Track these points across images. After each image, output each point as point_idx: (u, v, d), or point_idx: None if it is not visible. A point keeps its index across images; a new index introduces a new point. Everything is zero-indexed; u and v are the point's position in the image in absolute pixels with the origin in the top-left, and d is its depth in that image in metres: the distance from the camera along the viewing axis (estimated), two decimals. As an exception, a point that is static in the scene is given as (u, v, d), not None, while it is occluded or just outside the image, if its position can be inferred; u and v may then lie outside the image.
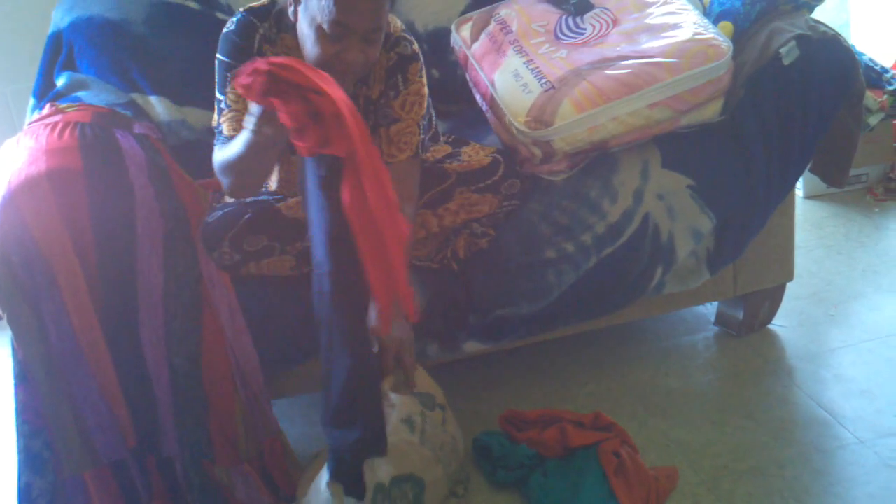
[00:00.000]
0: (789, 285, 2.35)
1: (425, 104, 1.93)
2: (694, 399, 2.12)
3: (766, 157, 2.07)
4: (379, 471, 1.69)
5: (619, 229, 2.02)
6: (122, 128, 1.90)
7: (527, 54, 2.14)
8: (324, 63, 1.70)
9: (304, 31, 1.72)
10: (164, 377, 1.82)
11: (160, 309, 1.79)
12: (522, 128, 1.97)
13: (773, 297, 2.34)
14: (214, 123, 1.88)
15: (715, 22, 2.13)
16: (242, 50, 1.82)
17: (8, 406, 1.82)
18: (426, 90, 1.93)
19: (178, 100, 2.29)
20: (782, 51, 2.04)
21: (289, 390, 2.04)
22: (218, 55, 1.85)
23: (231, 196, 1.93)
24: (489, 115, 2.15)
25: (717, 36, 2.02)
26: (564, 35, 2.17)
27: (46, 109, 1.98)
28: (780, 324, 2.38)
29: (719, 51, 1.99)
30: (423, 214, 1.93)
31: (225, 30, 1.85)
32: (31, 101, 2.24)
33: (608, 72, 1.99)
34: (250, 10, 1.85)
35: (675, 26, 2.06)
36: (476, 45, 2.26)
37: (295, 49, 1.80)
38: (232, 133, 1.81)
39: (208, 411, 1.84)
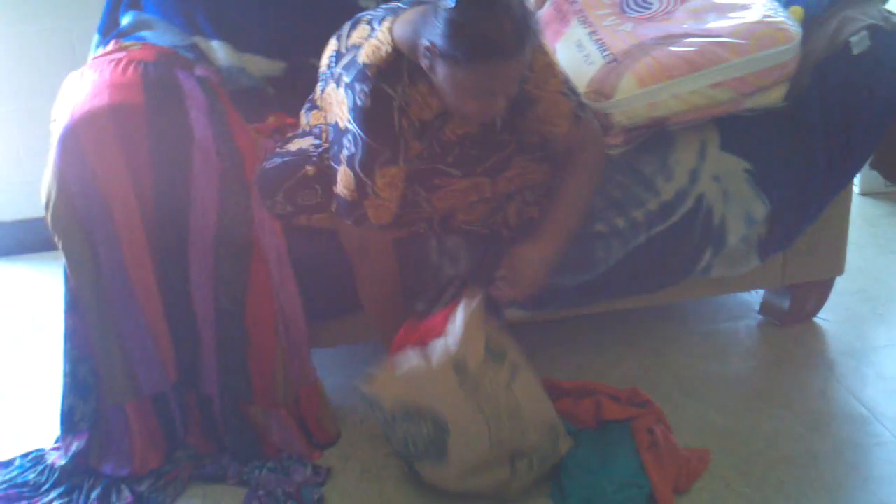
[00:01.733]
0: (838, 280, 2.32)
1: (559, 70, 1.86)
2: (731, 385, 2.11)
3: (826, 148, 2.04)
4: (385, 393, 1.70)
5: (671, 208, 2.00)
6: (184, 69, 1.92)
7: (591, 25, 2.12)
8: (467, 117, 1.75)
9: (446, 88, 1.67)
10: (209, 317, 1.85)
11: (210, 249, 1.82)
12: (582, 99, 1.95)
13: (820, 290, 2.31)
14: (347, 194, 1.77)
15: (786, 6, 2.10)
16: (384, 130, 1.72)
17: (58, 331, 1.86)
18: (552, 58, 1.86)
19: (240, 46, 2.30)
20: (853, 40, 2.00)
21: (330, 341, 2.06)
22: (356, 128, 1.72)
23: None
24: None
25: (787, 20, 1.99)
26: (630, 9, 2.15)
27: (111, 46, 2.01)
28: (826, 317, 2.35)
29: (787, 35, 1.96)
30: (479, 181, 1.93)
31: (360, 101, 1.70)
32: (96, 37, 2.27)
33: (672, 48, 1.97)
34: (380, 75, 1.70)
35: (743, 7, 2.04)
36: (540, 13, 2.25)
37: (429, 99, 1.75)
38: (382, 222, 1.79)
39: (249, 354, 1.87)
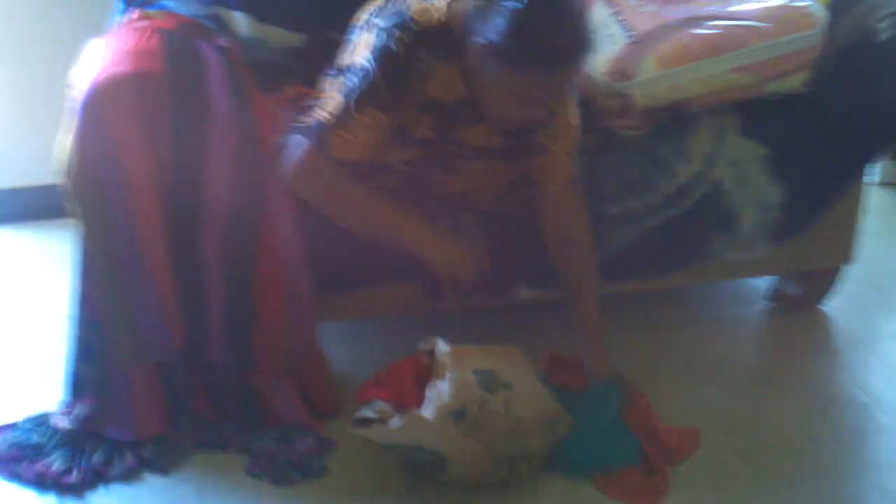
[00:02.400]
0: (849, 269, 2.31)
1: (576, 135, 1.86)
2: (736, 369, 2.11)
3: (846, 136, 2.02)
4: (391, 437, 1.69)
5: (686, 192, 1.99)
6: (206, 39, 1.91)
7: (615, 5, 2.09)
8: (502, 118, 1.74)
9: (492, 87, 1.66)
10: (218, 286, 1.85)
11: (223, 220, 1.81)
12: (604, 78, 1.94)
13: (829, 279, 2.31)
14: (323, 116, 1.73)
15: (812, -12, 2.08)
16: (399, 80, 1.69)
17: (65, 297, 1.87)
18: (577, 120, 1.86)
19: (261, 17, 2.28)
20: (880, 26, 1.98)
21: (336, 315, 2.06)
22: (372, 63, 1.69)
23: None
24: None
25: (812, 4, 1.97)
26: (655, -10, 2.14)
27: (133, 14, 2.00)
28: (834, 306, 2.34)
29: (812, 20, 1.95)
30: (495, 164, 1.91)
31: (393, 44, 1.67)
32: (119, 5, 2.26)
33: (696, 30, 1.96)
34: (424, 36, 1.67)
35: (769, -11, 2.02)
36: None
37: (453, 83, 1.72)
38: (338, 155, 1.72)
39: (256, 324, 1.87)
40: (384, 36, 1.68)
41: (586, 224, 1.91)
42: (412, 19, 1.68)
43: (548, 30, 1.54)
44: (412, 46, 1.67)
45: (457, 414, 1.64)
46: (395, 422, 1.64)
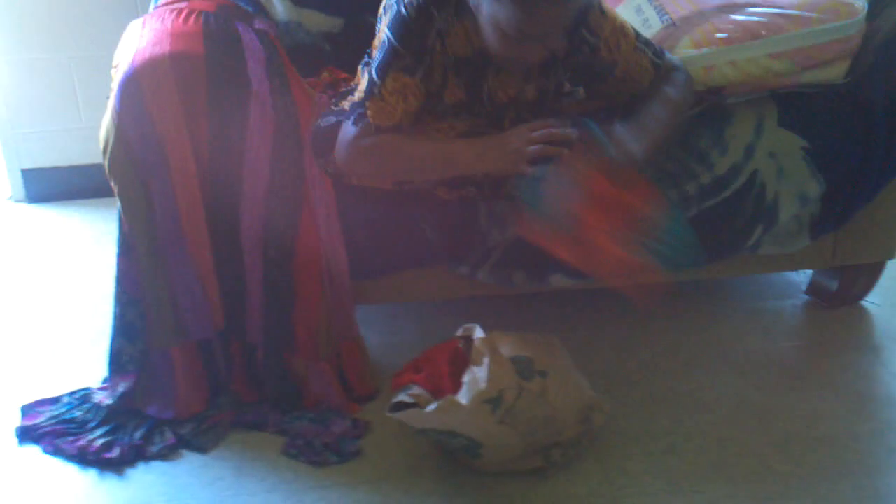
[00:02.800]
0: (889, 264, 2.28)
1: (628, 29, 1.87)
2: (774, 362, 2.09)
3: (887, 129, 1.99)
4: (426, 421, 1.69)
5: (724, 183, 1.98)
6: (244, 21, 1.93)
7: (651, -9, 2.10)
8: (505, 59, 1.73)
9: (485, 26, 1.68)
10: (257, 267, 1.87)
11: (262, 201, 1.84)
12: (656, 46, 1.93)
13: (870, 273, 2.28)
14: (357, 97, 1.81)
15: (855, -20, 2.05)
16: (415, 41, 1.74)
17: (110, 275, 1.90)
18: (620, 19, 1.86)
19: (299, 1, 2.31)
20: (923, 19, 1.96)
21: (373, 298, 2.08)
22: (388, 33, 1.75)
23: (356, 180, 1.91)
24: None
25: (854, -6, 1.95)
26: (693, -24, 2.12)
27: (172, -4, 2.02)
28: (874, 301, 2.32)
29: (852, 9, 1.92)
30: None
31: (403, 10, 1.73)
32: (158, -13, 2.29)
33: (733, 16, 1.95)
34: None
35: (809, -21, 2.00)
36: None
37: (472, 36, 1.76)
38: (380, 122, 1.77)
39: (295, 306, 1.89)
40: (396, 6, 1.75)
41: (682, 101, 1.90)
42: None
43: None
44: (421, 7, 1.72)
45: (493, 401, 1.65)
46: (431, 406, 1.65)
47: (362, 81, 1.81)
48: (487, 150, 1.79)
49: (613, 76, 1.87)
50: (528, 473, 1.75)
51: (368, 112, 1.77)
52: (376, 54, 1.79)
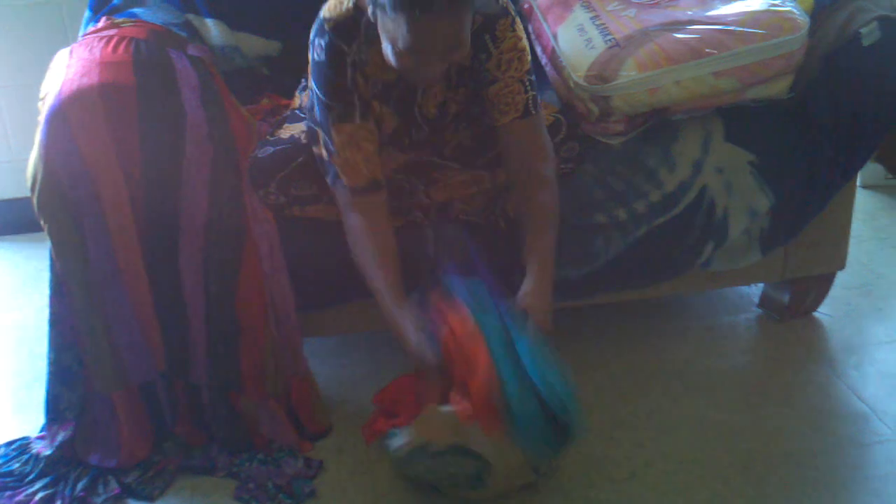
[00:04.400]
0: (838, 274, 2.29)
1: (526, 58, 1.80)
2: (731, 380, 2.08)
3: (833, 141, 2.00)
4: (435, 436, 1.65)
5: (673, 200, 1.97)
6: (177, 48, 1.87)
7: (594, 10, 2.08)
8: (409, 75, 1.68)
9: (383, 40, 1.63)
10: (199, 304, 1.81)
11: (201, 235, 1.77)
12: (581, 82, 1.91)
13: (821, 285, 2.28)
14: (320, 151, 1.78)
15: (795, -6, 2.06)
16: (336, 85, 1.72)
17: (42, 319, 1.81)
18: (524, 43, 1.80)
19: (234, 25, 2.25)
20: (863, 31, 1.97)
21: (321, 330, 2.03)
22: (314, 86, 1.74)
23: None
24: (548, 68, 2.10)
25: (794, 9, 1.96)
26: (636, -6, 2.11)
27: (102, 23, 1.95)
28: (826, 312, 2.32)
29: (795, 24, 1.92)
30: (478, 174, 1.90)
31: (315, 56, 1.72)
32: (87, 13, 2.22)
33: (676, 35, 1.94)
34: (336, 30, 1.71)
35: (751, -6, 2.00)
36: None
37: (382, 63, 1.70)
38: (353, 182, 1.73)
39: (239, 343, 1.83)
40: (311, 50, 1.74)
41: (548, 165, 1.83)
42: (324, 20, 1.72)
43: None
44: (331, 46, 1.70)
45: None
46: (447, 408, 1.62)
47: (316, 134, 1.77)
48: (405, 343, 1.70)
49: (487, 92, 1.81)
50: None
51: (339, 170, 1.74)
52: (314, 108, 1.76)
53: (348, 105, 1.72)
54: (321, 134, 1.75)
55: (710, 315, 2.35)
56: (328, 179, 1.78)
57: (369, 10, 1.62)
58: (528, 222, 1.80)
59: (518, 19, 1.80)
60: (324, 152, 1.77)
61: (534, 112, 1.81)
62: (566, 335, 2.22)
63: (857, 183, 2.93)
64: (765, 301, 2.35)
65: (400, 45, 1.57)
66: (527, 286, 1.73)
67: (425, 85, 1.79)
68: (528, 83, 1.80)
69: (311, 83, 1.75)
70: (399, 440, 1.66)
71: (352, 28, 1.70)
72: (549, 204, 1.81)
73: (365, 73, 1.74)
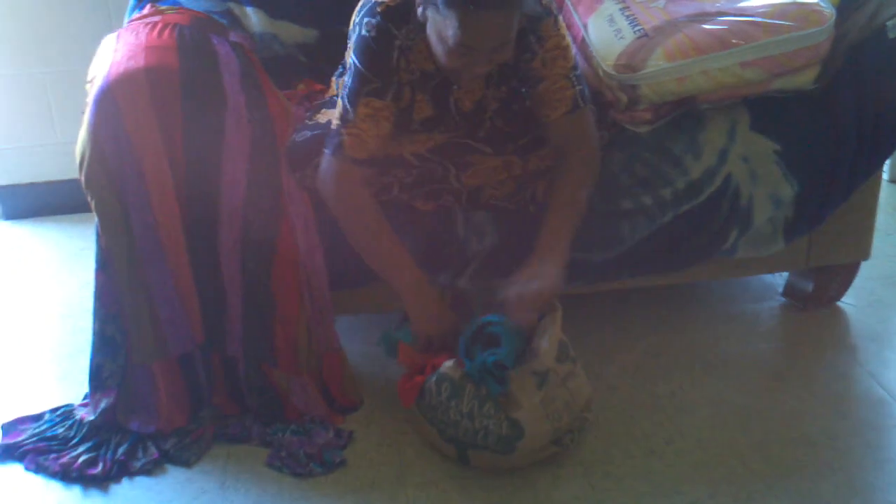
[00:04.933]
0: (863, 265, 2.31)
1: (570, 55, 1.86)
2: (752, 364, 2.11)
3: (858, 132, 2.02)
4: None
5: (699, 187, 2.00)
6: (219, 34, 1.93)
7: (624, 1, 2.11)
8: (452, 72, 1.74)
9: (433, 38, 1.70)
10: (236, 280, 1.87)
11: (240, 214, 1.84)
12: (610, 70, 1.95)
13: (845, 274, 2.30)
14: (334, 124, 1.83)
15: (823, -14, 2.08)
16: (380, 63, 1.78)
17: (89, 289, 1.89)
18: (568, 41, 1.86)
19: (274, 13, 2.31)
20: (889, 24, 1.99)
21: (353, 308, 2.08)
22: (353, 58, 1.79)
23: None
24: (578, 57, 2.13)
25: (821, 1, 1.97)
26: (665, -14, 2.14)
27: (146, 10, 2.02)
28: (850, 302, 2.34)
29: (821, 16, 1.94)
30: (510, 159, 1.94)
31: (364, 31, 1.77)
32: (132, 1, 2.29)
33: (705, 26, 1.96)
34: (388, 13, 1.76)
35: (779, -14, 2.02)
36: (573, -11, 2.24)
37: (427, 53, 1.79)
38: (355, 153, 1.79)
39: (274, 318, 1.89)
40: (358, 28, 1.78)
41: (598, 147, 1.90)
42: (377, 3, 1.76)
43: None
44: (381, 27, 1.75)
45: (537, 374, 1.72)
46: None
47: (338, 107, 1.83)
48: (417, 304, 1.86)
49: (535, 90, 1.87)
50: (513, 478, 1.77)
51: (345, 141, 1.79)
52: (346, 79, 1.81)
53: (386, 83, 1.78)
54: (344, 102, 1.80)
55: (733, 302, 2.38)
56: (327, 149, 1.82)
57: (419, 10, 1.68)
58: (556, 191, 1.87)
59: (561, 18, 1.85)
60: (336, 121, 1.82)
61: (582, 105, 1.87)
62: (591, 318, 2.28)
63: (885, 177, 2.96)
64: (789, 289, 2.37)
65: (451, 42, 1.63)
66: (538, 255, 1.82)
67: (468, 85, 1.84)
68: (574, 78, 1.86)
69: (352, 57, 1.79)
70: (450, 371, 1.75)
71: (403, 14, 1.76)
72: (582, 174, 1.88)
73: (408, 59, 1.80)
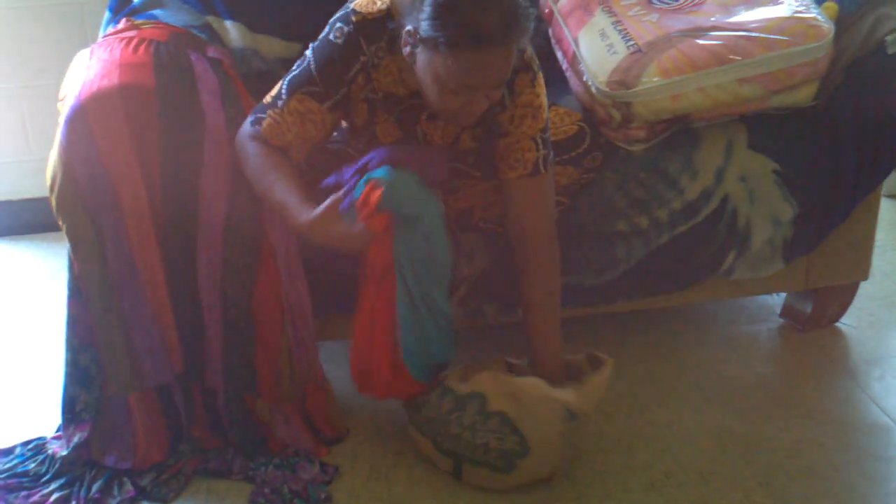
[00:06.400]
0: (862, 285, 2.27)
1: (542, 116, 1.74)
2: (752, 390, 2.06)
3: (857, 149, 1.98)
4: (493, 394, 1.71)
5: (695, 208, 1.95)
6: (197, 50, 1.87)
7: (616, 15, 2.06)
8: (445, 113, 1.65)
9: (426, 81, 1.59)
10: (216, 308, 1.80)
11: (220, 239, 1.77)
12: (603, 88, 1.90)
13: (844, 295, 2.26)
14: (266, 99, 1.75)
15: (819, 1, 2.03)
16: (334, 72, 1.69)
17: (61, 318, 1.81)
18: (542, 100, 1.74)
19: (254, 27, 2.24)
20: (888, 39, 1.96)
21: (339, 334, 2.01)
22: (310, 54, 1.71)
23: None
24: (569, 73, 2.08)
25: (819, 16, 1.93)
26: (658, -1, 2.09)
27: (122, 24, 1.96)
28: (849, 323, 2.30)
29: (819, 32, 1.90)
30: (498, 183, 1.87)
31: (332, 36, 1.69)
32: (107, 14, 2.22)
33: (699, 41, 1.92)
34: (362, 26, 1.67)
35: (774, 1, 1.98)
36: (563, 1, 2.18)
37: (396, 77, 1.70)
38: (270, 137, 1.70)
39: (256, 347, 1.82)
40: (329, 29, 1.70)
41: (549, 225, 1.78)
42: (353, 11, 1.68)
43: (471, 8, 1.49)
44: (351, 36, 1.67)
45: (570, 414, 1.69)
46: (513, 378, 1.71)
47: (276, 86, 1.75)
48: (290, 217, 1.65)
49: (497, 143, 1.76)
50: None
51: (265, 121, 1.71)
52: (294, 66, 1.74)
53: (330, 91, 1.70)
54: (281, 87, 1.73)
55: (731, 324, 2.32)
56: (250, 117, 1.73)
57: (405, 49, 1.59)
58: (528, 288, 1.79)
59: (540, 76, 1.74)
60: (267, 98, 1.74)
61: (543, 171, 1.75)
62: (586, 343, 2.21)
63: (881, 192, 2.91)
64: (787, 310, 2.33)
65: (452, 83, 1.54)
66: (536, 369, 1.79)
67: (465, 121, 1.71)
68: (540, 141, 1.74)
69: (310, 51, 1.71)
70: (454, 385, 1.73)
71: (378, 31, 1.67)
72: (549, 266, 1.78)
73: (370, 77, 1.71)
